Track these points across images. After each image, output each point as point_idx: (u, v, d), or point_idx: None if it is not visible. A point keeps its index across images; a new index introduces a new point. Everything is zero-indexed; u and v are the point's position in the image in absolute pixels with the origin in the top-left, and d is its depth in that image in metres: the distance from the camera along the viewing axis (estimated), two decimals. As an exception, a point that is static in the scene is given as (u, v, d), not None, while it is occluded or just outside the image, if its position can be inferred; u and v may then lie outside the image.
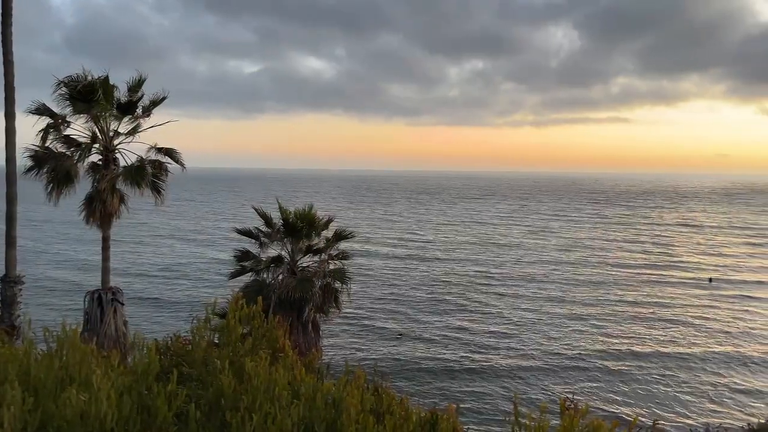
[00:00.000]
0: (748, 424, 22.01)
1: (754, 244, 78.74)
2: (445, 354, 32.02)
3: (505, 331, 36.54)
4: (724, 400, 27.18)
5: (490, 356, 31.85)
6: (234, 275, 20.46)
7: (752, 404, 26.43)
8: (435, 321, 38.53)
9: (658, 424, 19.75)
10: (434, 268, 57.73)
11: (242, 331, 5.20)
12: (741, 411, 25.64)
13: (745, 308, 44.00)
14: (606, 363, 31.08)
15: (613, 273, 56.71)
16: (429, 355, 31.79)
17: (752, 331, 37.81)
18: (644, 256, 68.62)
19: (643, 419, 23.40)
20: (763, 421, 21.38)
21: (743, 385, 28.92)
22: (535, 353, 32.47)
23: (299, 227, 19.46)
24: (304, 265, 20.36)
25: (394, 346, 33.24)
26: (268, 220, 20.53)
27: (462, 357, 31.66)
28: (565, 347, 33.42)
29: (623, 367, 30.60)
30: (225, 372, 3.79)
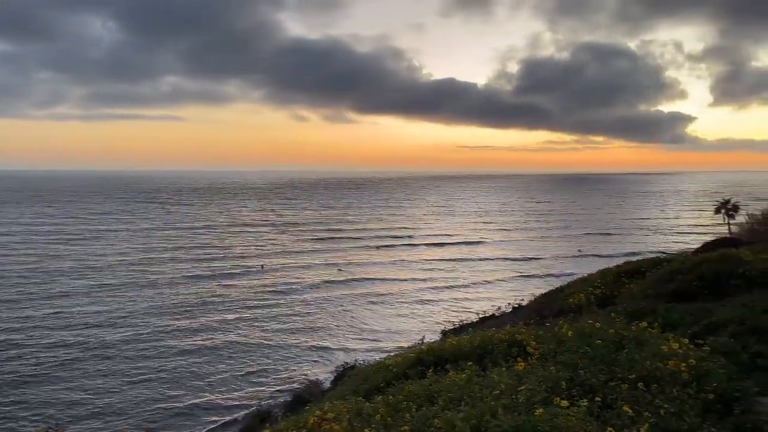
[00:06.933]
0: (289, 393, 26.19)
1: (294, 239, 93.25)
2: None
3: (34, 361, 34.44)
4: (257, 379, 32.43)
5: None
6: None
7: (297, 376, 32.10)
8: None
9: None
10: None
11: None
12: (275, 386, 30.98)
13: (291, 281, 52.44)
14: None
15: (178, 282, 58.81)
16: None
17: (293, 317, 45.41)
18: (202, 254, 72.98)
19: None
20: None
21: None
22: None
23: None
24: None
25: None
26: None
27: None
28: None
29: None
30: None
